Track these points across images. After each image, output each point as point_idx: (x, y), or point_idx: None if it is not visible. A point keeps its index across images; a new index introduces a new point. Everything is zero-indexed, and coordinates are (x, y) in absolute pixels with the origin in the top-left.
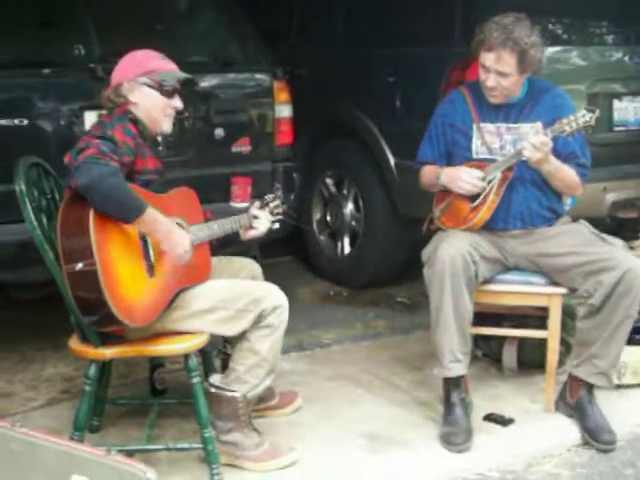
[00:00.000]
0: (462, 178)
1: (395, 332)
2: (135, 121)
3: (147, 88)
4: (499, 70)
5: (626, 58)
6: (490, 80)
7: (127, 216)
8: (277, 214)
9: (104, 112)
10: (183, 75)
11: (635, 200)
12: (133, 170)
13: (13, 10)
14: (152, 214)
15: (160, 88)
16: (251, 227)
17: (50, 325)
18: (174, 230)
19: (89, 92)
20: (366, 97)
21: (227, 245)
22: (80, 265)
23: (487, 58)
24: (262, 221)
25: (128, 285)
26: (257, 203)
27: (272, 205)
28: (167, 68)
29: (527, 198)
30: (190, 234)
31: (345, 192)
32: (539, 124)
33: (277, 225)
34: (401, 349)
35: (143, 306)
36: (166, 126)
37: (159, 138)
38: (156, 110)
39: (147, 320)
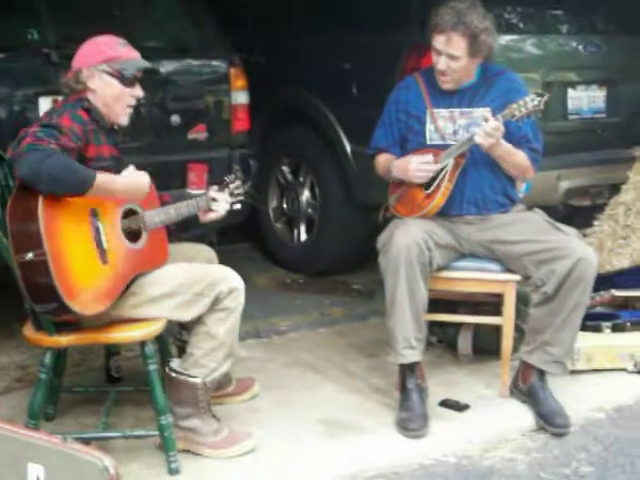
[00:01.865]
0: (412, 168)
1: (351, 319)
2: (89, 109)
3: (107, 76)
4: (449, 53)
5: (580, 47)
6: (441, 63)
7: (78, 189)
8: (238, 195)
9: (59, 98)
10: (144, 64)
11: (589, 188)
12: (84, 157)
13: None
14: (103, 178)
15: (120, 77)
16: (210, 210)
17: (3, 312)
18: (128, 178)
19: (44, 77)
20: (322, 83)
21: (187, 229)
22: (30, 255)
23: (438, 41)
24: (221, 203)
25: (80, 274)
26: (215, 186)
27: (232, 186)
28: (129, 56)
29: (480, 183)
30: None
31: (301, 179)
32: (487, 112)
33: (239, 206)
34: (357, 336)
35: (96, 294)
36: (122, 118)
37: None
38: (114, 98)
39: (101, 308)
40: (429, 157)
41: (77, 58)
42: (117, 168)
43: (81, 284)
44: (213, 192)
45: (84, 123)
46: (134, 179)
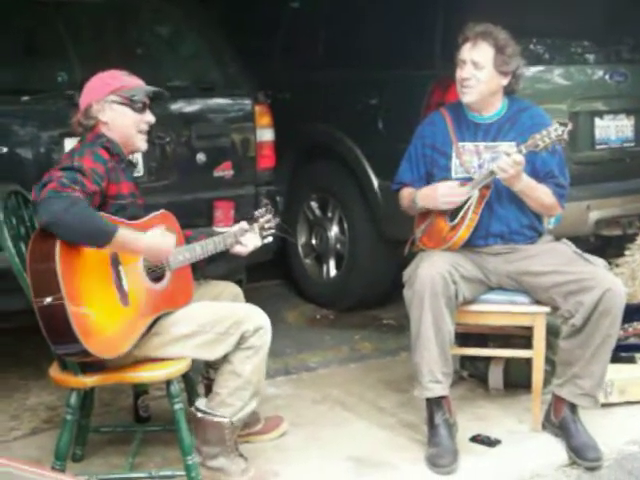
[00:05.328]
0: (440, 193)
1: (381, 354)
2: (108, 146)
3: (117, 105)
4: (474, 59)
5: (607, 77)
6: (465, 71)
7: (98, 242)
8: (269, 228)
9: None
10: (151, 88)
11: (619, 218)
12: (106, 195)
13: None
14: (124, 234)
15: (130, 104)
16: (239, 243)
17: (33, 354)
18: (151, 239)
19: (68, 119)
20: (349, 119)
21: (213, 261)
22: (49, 299)
23: (464, 49)
24: (250, 237)
25: (99, 317)
26: (244, 222)
27: (262, 220)
28: (134, 84)
29: (506, 216)
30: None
31: (330, 215)
32: (512, 147)
33: (270, 239)
34: (387, 371)
35: (116, 337)
36: (141, 143)
37: (135, 160)
38: (128, 127)
39: (121, 351)
40: (455, 183)
41: (84, 95)
42: (136, 205)
43: (100, 328)
44: (243, 226)
45: (105, 162)
46: (158, 241)
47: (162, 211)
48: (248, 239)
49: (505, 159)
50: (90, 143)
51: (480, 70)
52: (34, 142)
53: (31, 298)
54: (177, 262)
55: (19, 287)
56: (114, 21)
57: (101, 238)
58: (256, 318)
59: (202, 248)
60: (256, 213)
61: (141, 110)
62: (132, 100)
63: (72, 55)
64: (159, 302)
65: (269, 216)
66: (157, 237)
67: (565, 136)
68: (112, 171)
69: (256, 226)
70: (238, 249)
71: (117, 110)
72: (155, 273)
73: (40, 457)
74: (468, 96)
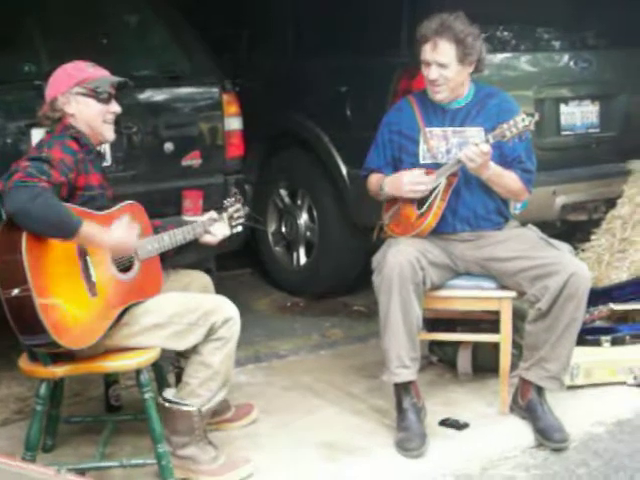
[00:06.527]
0: (405, 181)
1: (352, 341)
2: (77, 137)
3: (82, 97)
4: (438, 60)
5: (572, 63)
6: (432, 72)
7: (63, 234)
8: (238, 218)
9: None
10: (116, 79)
11: (585, 203)
12: (75, 187)
13: None
14: (89, 227)
15: (95, 95)
16: (208, 233)
17: (2, 345)
18: (114, 233)
19: (35, 109)
20: (317, 107)
21: (182, 250)
22: (16, 291)
23: (425, 50)
24: (219, 226)
25: (67, 308)
26: (213, 212)
27: (231, 210)
28: (99, 74)
29: (473, 202)
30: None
31: (299, 203)
32: (480, 132)
33: (240, 228)
34: (358, 357)
35: (85, 328)
36: (108, 134)
37: (103, 150)
38: (94, 118)
39: (90, 342)
40: (420, 171)
41: (49, 88)
42: (105, 196)
43: (69, 319)
44: (211, 216)
45: (74, 154)
46: (121, 235)
47: (129, 202)
48: (217, 228)
49: (472, 149)
50: (59, 135)
51: (446, 69)
52: (0, 132)
53: None
54: (145, 252)
55: None
56: (81, 11)
57: (66, 230)
58: (225, 309)
59: (171, 238)
60: (225, 202)
61: (106, 101)
62: (96, 91)
63: (39, 45)
64: (128, 293)
65: (238, 205)
66: (120, 231)
67: (532, 127)
68: (81, 162)
69: (225, 215)
70: (207, 239)
71: (82, 102)
72: (123, 264)
73: (10, 448)
74: (439, 95)
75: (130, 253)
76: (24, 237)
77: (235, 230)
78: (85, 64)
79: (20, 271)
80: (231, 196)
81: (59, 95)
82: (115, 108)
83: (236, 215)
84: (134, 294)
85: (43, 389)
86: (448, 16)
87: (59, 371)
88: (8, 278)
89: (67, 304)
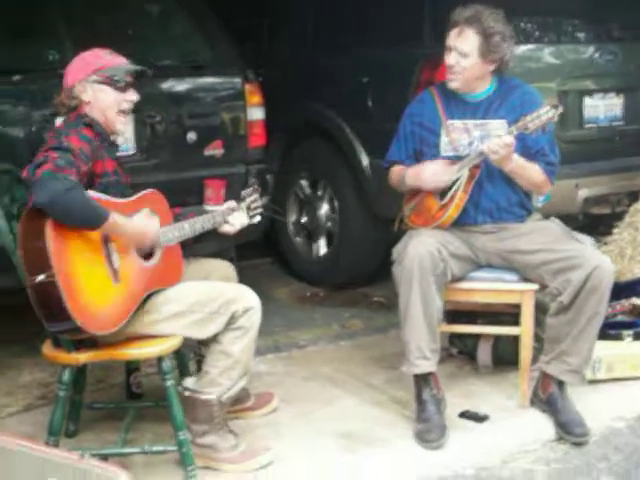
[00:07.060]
0: (427, 174)
1: (371, 331)
2: (91, 124)
3: (99, 85)
4: (459, 48)
5: (596, 55)
6: (451, 58)
7: (90, 225)
8: (256, 208)
9: None
10: (134, 67)
11: (608, 196)
12: (93, 174)
13: None
14: (115, 218)
15: (112, 83)
16: (226, 223)
17: (26, 331)
18: (136, 224)
19: None
20: (339, 98)
21: (201, 239)
22: (41, 277)
23: (451, 35)
24: (237, 216)
25: (91, 293)
26: (232, 201)
27: (249, 200)
28: (116, 62)
29: (496, 195)
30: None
31: (320, 193)
32: (502, 124)
33: (258, 218)
34: (377, 348)
35: (108, 314)
36: (120, 126)
37: (117, 140)
38: (110, 106)
39: (113, 328)
40: (443, 162)
41: (67, 76)
42: (121, 182)
43: (92, 304)
44: (230, 206)
45: (90, 141)
46: (143, 226)
47: (150, 190)
48: (235, 218)
49: (496, 141)
50: (73, 123)
51: (465, 58)
52: (25, 121)
53: (23, 276)
54: (166, 240)
55: (12, 266)
56: (105, 0)
57: (94, 221)
58: (246, 298)
59: (191, 226)
60: (243, 193)
61: (123, 89)
62: (113, 79)
63: (63, 34)
64: (150, 279)
65: (256, 195)
66: (142, 222)
67: (556, 119)
68: (97, 149)
69: (243, 205)
70: (226, 228)
71: (98, 89)
72: (145, 250)
73: (34, 433)
74: (453, 83)
75: (150, 244)
76: (48, 224)
77: (254, 220)
78: (103, 51)
79: (45, 257)
80: (249, 186)
81: (76, 83)
82: (132, 97)
83: (254, 205)
84: (156, 281)
85: (66, 375)
86: (485, 9)
87: (82, 357)
88: (33, 265)
89: (91, 290)
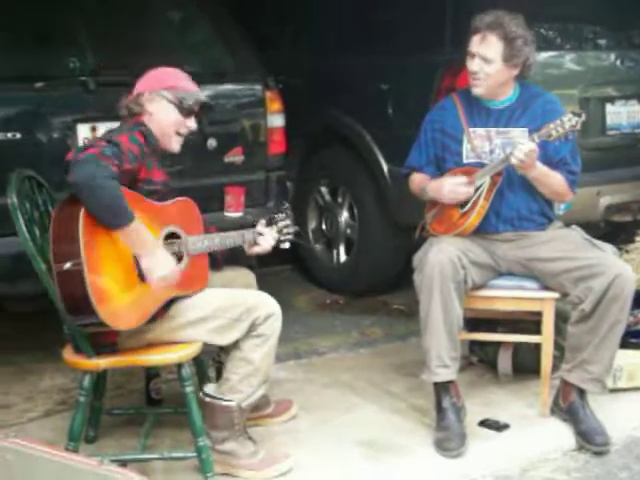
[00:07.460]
0: (446, 191)
1: (391, 339)
2: (145, 133)
3: (166, 102)
4: (482, 54)
5: (618, 62)
6: (474, 65)
7: (111, 222)
8: (286, 233)
9: (97, 125)
10: (203, 98)
11: (629, 203)
12: (136, 179)
13: (7, 24)
14: (137, 228)
15: (179, 105)
16: (255, 243)
17: (46, 337)
18: (158, 251)
19: (81, 105)
20: (359, 105)
21: (232, 261)
22: (68, 264)
23: (473, 42)
24: (267, 239)
25: (116, 287)
26: (263, 221)
27: (281, 224)
28: (190, 88)
29: (517, 203)
30: (186, 246)
31: (340, 200)
32: (524, 133)
33: (287, 245)
34: (397, 356)
35: (130, 311)
36: (175, 145)
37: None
38: (169, 124)
39: (133, 324)
40: (462, 179)
41: (142, 82)
42: (165, 194)
43: (115, 298)
44: (261, 227)
45: (141, 145)
46: (160, 256)
47: (184, 198)
48: (264, 240)
49: (520, 147)
50: (129, 127)
51: (488, 64)
52: (47, 128)
53: (46, 281)
54: (196, 248)
55: (33, 271)
56: (126, 7)
57: (119, 219)
58: (268, 305)
59: (222, 239)
60: (275, 217)
61: (187, 114)
62: (181, 102)
63: (85, 41)
64: (175, 284)
65: (288, 221)
66: (163, 253)
67: (578, 126)
68: (145, 155)
69: (275, 229)
70: (255, 249)
71: (164, 106)
72: (174, 255)
73: (54, 438)
74: (477, 89)
75: (157, 280)
76: (83, 212)
77: (282, 245)
78: (183, 75)
79: (75, 244)
80: (282, 211)
81: (147, 92)
82: (191, 124)
83: (285, 230)
84: (181, 286)
85: (87, 381)
86: (505, 14)
87: (102, 363)
88: (61, 251)
89: (116, 283)
